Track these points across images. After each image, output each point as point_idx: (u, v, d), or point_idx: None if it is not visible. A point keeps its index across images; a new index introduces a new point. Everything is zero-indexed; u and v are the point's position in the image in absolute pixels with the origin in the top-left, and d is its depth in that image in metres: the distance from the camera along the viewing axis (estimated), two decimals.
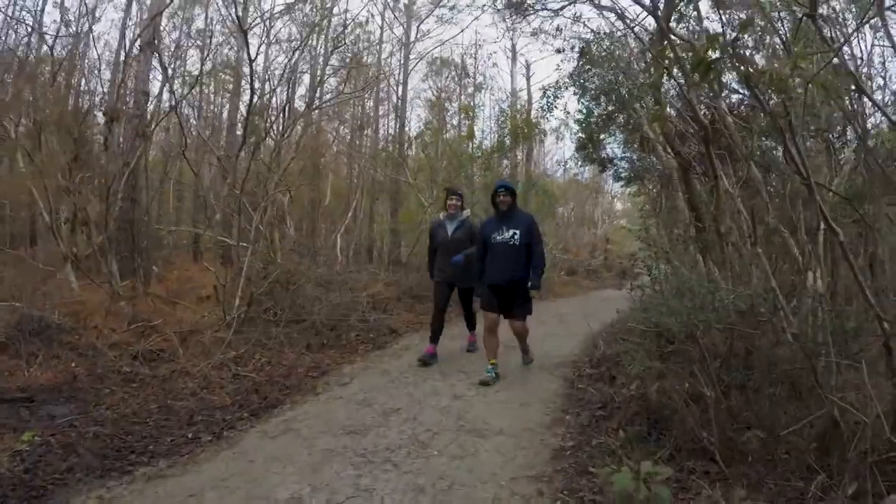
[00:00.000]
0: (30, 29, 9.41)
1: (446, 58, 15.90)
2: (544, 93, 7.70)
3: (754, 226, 3.24)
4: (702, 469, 2.95)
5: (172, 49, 12.79)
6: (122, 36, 11.91)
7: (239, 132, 10.77)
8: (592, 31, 6.90)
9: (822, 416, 3.02)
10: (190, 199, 15.97)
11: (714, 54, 2.16)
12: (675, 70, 3.12)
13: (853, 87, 3.14)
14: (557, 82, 7.41)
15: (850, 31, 5.76)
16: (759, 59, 6.49)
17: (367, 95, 13.57)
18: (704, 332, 2.80)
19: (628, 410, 3.58)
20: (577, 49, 6.78)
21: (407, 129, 14.76)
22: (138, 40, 7.07)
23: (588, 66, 6.79)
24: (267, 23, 8.27)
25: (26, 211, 11.35)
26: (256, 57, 5.49)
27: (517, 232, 4.96)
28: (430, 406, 4.16)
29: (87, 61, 10.48)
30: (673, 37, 3.17)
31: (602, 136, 8.37)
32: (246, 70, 11.02)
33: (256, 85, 9.18)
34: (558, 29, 6.70)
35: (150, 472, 3.13)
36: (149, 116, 8.13)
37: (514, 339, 6.69)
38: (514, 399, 4.38)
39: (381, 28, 14.78)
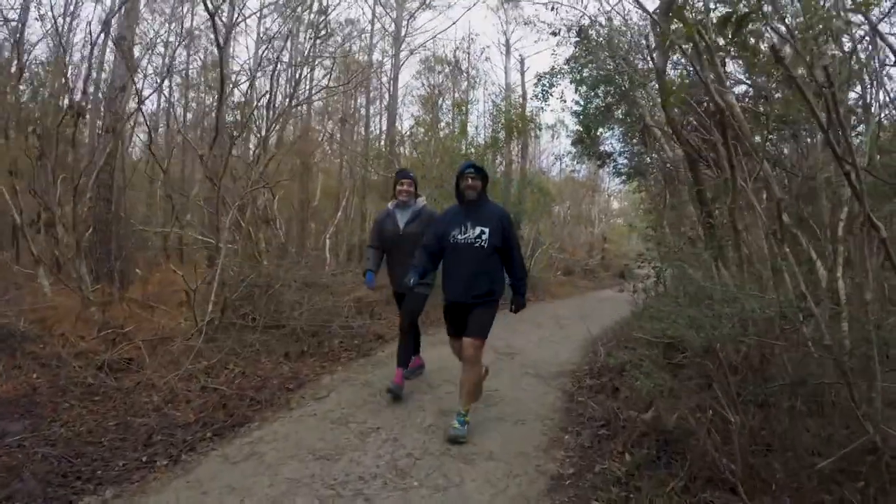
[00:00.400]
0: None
1: (439, 55, 15.49)
2: (539, 79, 7.28)
3: (780, 220, 2.83)
4: (721, 501, 2.55)
5: (155, 46, 12.33)
6: (105, 30, 11.49)
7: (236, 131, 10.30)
8: (590, 17, 6.51)
9: (851, 438, 2.67)
10: (177, 199, 15.52)
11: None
12: (687, 46, 2.72)
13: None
14: (553, 68, 7.00)
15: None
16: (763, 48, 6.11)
17: (354, 90, 13.13)
18: (724, 346, 2.40)
19: (634, 430, 3.17)
20: (573, 31, 6.35)
21: (398, 126, 14.37)
22: (102, 34, 6.65)
23: (586, 52, 6.38)
24: (242, 12, 7.85)
25: (9, 211, 10.91)
26: (226, 43, 5.05)
27: (486, 230, 3.71)
28: (413, 424, 3.73)
29: (66, 57, 10.11)
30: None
31: (600, 131, 7.98)
32: (231, 64, 10.69)
33: (238, 77, 8.83)
34: (553, 8, 6.27)
35: (93, 503, 2.76)
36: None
37: (509, 347, 6.36)
38: (506, 415, 3.96)
39: (372, 22, 14.37)
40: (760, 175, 4.12)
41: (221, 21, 5.97)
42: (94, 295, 6.44)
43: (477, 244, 3.73)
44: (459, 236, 3.77)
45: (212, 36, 12.72)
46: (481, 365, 3.84)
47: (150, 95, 8.04)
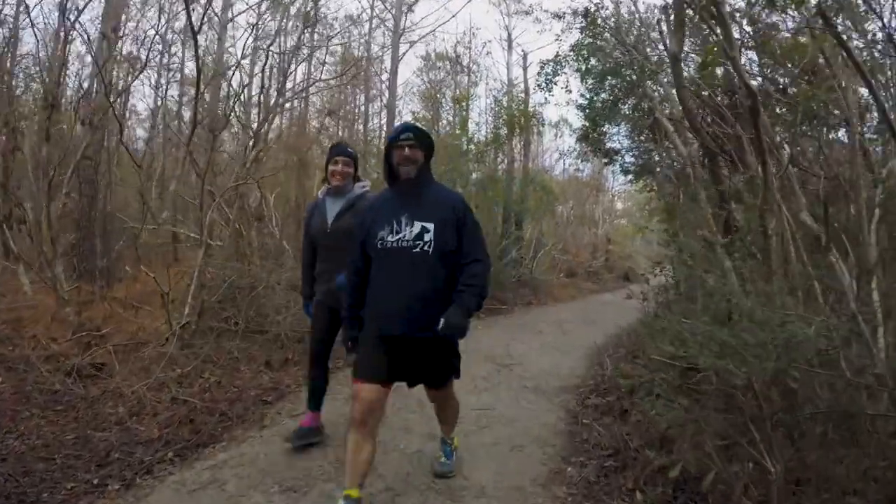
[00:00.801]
0: None
1: (440, 51, 15.10)
2: (542, 67, 6.86)
3: (826, 224, 2.43)
4: None
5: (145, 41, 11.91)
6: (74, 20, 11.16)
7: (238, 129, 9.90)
8: (595, 4, 6.09)
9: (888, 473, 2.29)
10: (170, 197, 15.22)
11: None
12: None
13: None
14: (557, 55, 6.57)
15: None
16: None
17: (348, 83, 12.73)
18: (764, 377, 1.99)
19: (647, 463, 2.77)
20: (579, 15, 5.94)
21: (398, 123, 13.97)
22: (68, 23, 6.32)
23: (592, 37, 5.98)
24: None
25: None
26: (200, 28, 4.68)
27: (430, 227, 2.49)
28: (397, 450, 3.33)
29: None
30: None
31: (606, 128, 7.60)
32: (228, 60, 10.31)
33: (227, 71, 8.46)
34: None
35: None
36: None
37: (508, 356, 5.95)
38: (503, 440, 3.54)
39: (371, 17, 13.97)
40: (784, 174, 3.74)
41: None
42: (71, 294, 6.12)
43: (416, 249, 2.48)
44: (390, 238, 2.52)
45: (211, 31, 12.43)
46: (456, 404, 3.05)
47: (126, 88, 7.69)
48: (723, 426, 2.34)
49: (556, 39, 9.51)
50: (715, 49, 2.43)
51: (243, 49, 7.04)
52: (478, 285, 2.51)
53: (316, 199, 3.69)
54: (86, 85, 9.73)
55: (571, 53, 6.33)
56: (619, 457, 3.06)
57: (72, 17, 6.12)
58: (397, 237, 2.51)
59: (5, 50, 8.28)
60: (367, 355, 2.56)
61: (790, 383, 2.05)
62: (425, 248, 2.47)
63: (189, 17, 4.50)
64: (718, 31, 2.62)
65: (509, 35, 15.71)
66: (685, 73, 5.41)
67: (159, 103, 14.52)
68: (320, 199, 3.56)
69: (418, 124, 2.99)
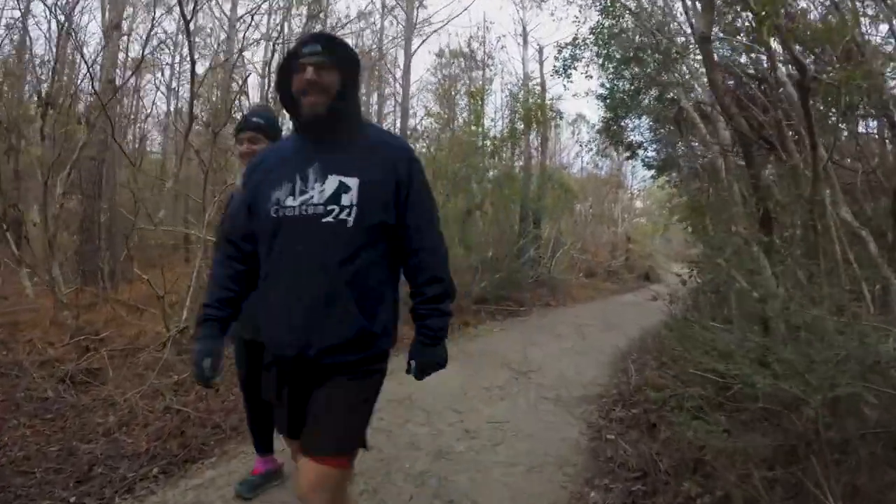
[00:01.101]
0: None
1: (454, 48, 14.84)
2: (560, 51, 6.52)
3: (895, 215, 2.08)
4: None
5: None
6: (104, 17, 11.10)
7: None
8: None
9: None
10: (181, 197, 15.22)
11: None
12: None
13: None
14: (575, 38, 6.23)
15: None
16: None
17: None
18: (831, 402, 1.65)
19: (680, 487, 2.43)
20: None
21: (413, 121, 13.73)
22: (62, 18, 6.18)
23: (614, 19, 5.63)
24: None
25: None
26: (193, 17, 4.47)
27: (352, 184, 1.53)
28: (401, 469, 3.00)
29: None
30: None
31: (627, 121, 7.26)
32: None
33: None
34: None
35: None
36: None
37: (526, 362, 5.58)
38: (518, 458, 3.18)
39: (383, 14, 13.72)
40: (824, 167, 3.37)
41: None
42: (71, 297, 5.94)
43: (330, 217, 1.53)
44: (290, 201, 1.57)
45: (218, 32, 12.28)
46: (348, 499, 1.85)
47: (124, 83, 7.55)
48: (771, 452, 2.00)
49: (574, 21, 9.03)
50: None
51: (243, 41, 6.83)
52: (445, 294, 1.65)
53: (235, 187, 2.72)
54: (88, 84, 9.73)
55: (591, 37, 6.00)
56: (648, 480, 2.71)
57: (62, 17, 5.92)
58: (301, 199, 1.55)
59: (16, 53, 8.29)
60: (268, 394, 1.73)
61: (864, 409, 1.70)
62: (343, 215, 1.52)
63: (182, 7, 4.27)
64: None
65: (524, 29, 15.31)
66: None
67: (172, 105, 14.53)
68: (239, 185, 2.63)
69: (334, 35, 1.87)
